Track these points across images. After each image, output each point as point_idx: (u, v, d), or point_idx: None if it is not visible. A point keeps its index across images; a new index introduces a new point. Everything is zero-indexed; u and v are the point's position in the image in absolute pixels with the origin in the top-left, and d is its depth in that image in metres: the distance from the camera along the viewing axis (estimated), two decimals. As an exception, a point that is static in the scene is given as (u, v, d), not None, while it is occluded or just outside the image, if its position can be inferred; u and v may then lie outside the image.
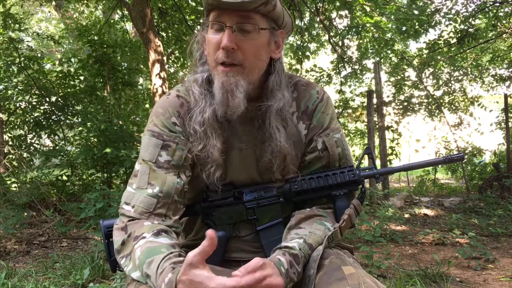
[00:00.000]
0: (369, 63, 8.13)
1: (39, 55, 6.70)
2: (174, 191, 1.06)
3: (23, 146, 6.22)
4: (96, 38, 5.96)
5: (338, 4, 6.11)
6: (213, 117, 1.08)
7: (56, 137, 6.24)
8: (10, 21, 5.88)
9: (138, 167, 1.09)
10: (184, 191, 1.10)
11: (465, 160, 7.35)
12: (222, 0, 0.97)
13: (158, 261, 0.90)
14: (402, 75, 7.90)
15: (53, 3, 8.17)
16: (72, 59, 6.61)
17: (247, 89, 1.05)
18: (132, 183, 1.08)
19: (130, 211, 1.04)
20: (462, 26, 6.48)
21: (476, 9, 6.53)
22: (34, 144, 6.26)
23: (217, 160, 1.09)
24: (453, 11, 6.62)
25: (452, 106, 7.93)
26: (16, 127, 6.34)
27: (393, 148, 7.21)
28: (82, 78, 6.34)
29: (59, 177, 5.60)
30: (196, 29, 6.23)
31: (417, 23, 6.34)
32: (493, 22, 6.62)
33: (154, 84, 4.85)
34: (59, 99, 6.10)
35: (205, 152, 1.09)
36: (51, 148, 6.26)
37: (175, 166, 1.08)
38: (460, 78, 8.16)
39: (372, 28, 6.66)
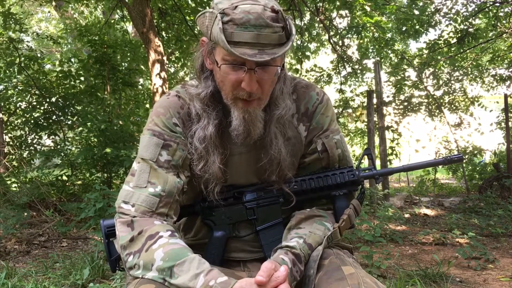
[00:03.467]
0: (369, 63, 8.13)
1: (39, 55, 6.70)
2: (176, 191, 1.06)
3: (23, 146, 6.22)
4: (96, 38, 5.96)
5: (338, 3, 6.11)
6: (216, 134, 1.07)
7: (57, 137, 6.25)
8: (10, 22, 5.88)
9: (136, 166, 1.08)
10: (183, 191, 1.10)
11: (465, 160, 7.34)
12: (251, 59, 0.94)
13: (195, 262, 0.93)
14: (402, 75, 7.90)
15: (53, 3, 8.16)
16: (72, 59, 6.61)
17: (263, 116, 1.07)
18: (129, 181, 1.07)
19: (131, 210, 1.03)
20: (462, 26, 6.48)
21: (476, 9, 6.53)
22: (34, 144, 6.26)
23: (218, 178, 1.09)
24: (453, 11, 6.62)
25: (452, 106, 7.93)
26: (16, 127, 6.34)
27: (393, 148, 7.21)
28: (82, 78, 6.34)
29: (59, 177, 5.61)
30: (196, 29, 6.23)
31: (417, 23, 6.34)
32: (493, 22, 6.62)
33: (154, 84, 4.85)
34: (59, 99, 6.10)
35: (206, 170, 1.08)
36: (51, 148, 6.26)
37: (175, 166, 1.08)
38: (460, 78, 8.15)
39: (372, 28, 6.66)
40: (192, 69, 1.15)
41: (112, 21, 7.28)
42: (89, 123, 5.22)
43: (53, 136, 6.19)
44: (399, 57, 7.70)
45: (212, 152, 1.07)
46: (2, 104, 6.06)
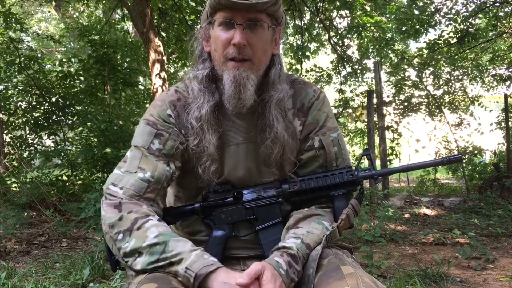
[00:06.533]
0: (369, 63, 8.13)
1: (39, 55, 6.70)
2: (164, 178, 1.09)
3: (23, 146, 6.22)
4: (96, 38, 5.96)
5: (338, 3, 6.11)
6: (210, 113, 1.11)
7: (57, 137, 6.25)
8: (11, 21, 5.88)
9: (128, 153, 1.12)
10: (172, 180, 1.13)
11: (465, 160, 7.34)
12: (237, 1, 1.01)
13: (190, 243, 1.00)
14: (402, 75, 7.90)
15: (53, 3, 8.17)
16: (72, 59, 6.61)
17: (255, 83, 1.10)
18: (120, 166, 1.10)
19: (118, 193, 1.05)
20: (462, 26, 6.48)
21: (476, 9, 6.52)
22: (35, 145, 6.26)
23: (212, 155, 1.11)
24: (453, 11, 6.62)
25: (452, 106, 7.92)
26: (16, 127, 6.34)
27: (393, 148, 7.21)
28: (82, 78, 6.34)
29: (59, 177, 5.60)
30: (196, 28, 6.24)
31: (417, 23, 6.33)
32: (493, 22, 6.62)
33: (154, 84, 4.85)
34: (59, 99, 6.10)
35: (200, 147, 1.12)
36: (52, 148, 6.26)
37: (166, 155, 1.11)
38: (460, 77, 8.15)
39: (372, 28, 6.66)
40: (192, 53, 1.20)
41: (113, 21, 7.28)
42: (89, 123, 5.21)
43: (53, 136, 6.19)
44: (399, 57, 7.70)
45: (207, 130, 1.11)
46: (2, 104, 6.05)
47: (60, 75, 6.14)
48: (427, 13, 6.39)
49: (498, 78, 8.30)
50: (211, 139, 1.11)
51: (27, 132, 6.29)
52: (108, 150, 4.84)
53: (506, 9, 6.68)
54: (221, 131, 1.13)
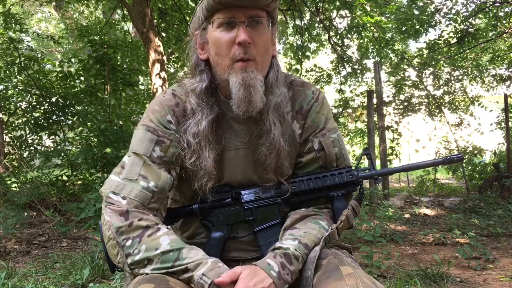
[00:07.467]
0: (369, 63, 8.12)
1: (39, 55, 6.70)
2: (167, 187, 1.07)
3: (23, 146, 6.22)
4: (96, 38, 5.96)
5: (338, 3, 6.10)
6: (209, 129, 1.08)
7: (57, 138, 6.25)
8: (11, 22, 5.88)
9: (126, 159, 1.08)
10: (173, 186, 1.11)
11: (465, 160, 7.34)
12: None
13: (202, 252, 1.01)
14: (402, 75, 7.89)
15: (53, 3, 8.17)
16: (72, 60, 6.61)
17: (263, 83, 1.07)
18: (118, 172, 1.06)
19: (121, 202, 1.02)
20: (462, 26, 6.47)
21: (476, 9, 6.52)
22: (34, 145, 6.26)
23: (210, 173, 1.09)
24: (453, 11, 6.61)
25: (452, 106, 7.92)
26: (16, 127, 6.34)
27: (393, 148, 7.21)
28: (82, 78, 6.34)
29: (59, 177, 5.60)
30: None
31: (417, 23, 6.33)
32: (493, 22, 6.62)
33: (154, 84, 4.85)
34: (59, 99, 6.10)
35: (197, 165, 1.09)
36: (52, 148, 6.26)
37: (167, 163, 1.09)
38: (460, 77, 8.15)
39: (372, 28, 6.66)
40: (188, 62, 1.16)
41: (114, 21, 7.28)
42: (89, 123, 5.21)
43: (53, 136, 6.19)
44: (399, 57, 7.69)
45: (205, 147, 1.08)
46: (2, 104, 6.06)
47: (60, 75, 6.14)
48: (427, 13, 6.38)
49: (498, 78, 8.30)
50: (209, 156, 1.08)
51: (27, 132, 6.28)
52: (108, 150, 4.84)
53: (506, 9, 6.67)
54: (219, 148, 1.11)
